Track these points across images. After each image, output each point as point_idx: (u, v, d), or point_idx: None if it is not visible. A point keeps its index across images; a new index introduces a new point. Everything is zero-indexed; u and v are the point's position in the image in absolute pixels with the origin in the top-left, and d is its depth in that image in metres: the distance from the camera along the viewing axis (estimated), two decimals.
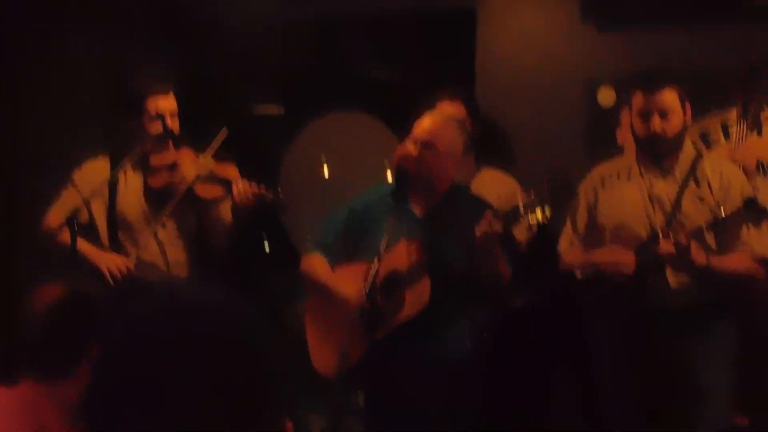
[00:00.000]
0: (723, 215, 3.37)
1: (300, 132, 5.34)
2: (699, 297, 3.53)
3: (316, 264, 3.78)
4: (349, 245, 3.75)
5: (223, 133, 4.02)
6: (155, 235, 4.06)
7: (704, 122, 4.21)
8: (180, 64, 5.07)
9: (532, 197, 3.32)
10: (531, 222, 3.32)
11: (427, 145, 3.60)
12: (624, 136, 4.24)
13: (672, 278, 3.54)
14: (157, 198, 4.04)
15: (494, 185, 4.22)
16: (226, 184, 4.01)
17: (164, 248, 4.08)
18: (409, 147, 3.62)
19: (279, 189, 4.00)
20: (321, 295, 3.75)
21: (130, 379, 1.13)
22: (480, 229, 3.34)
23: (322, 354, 3.62)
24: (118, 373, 1.14)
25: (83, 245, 3.94)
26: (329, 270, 3.75)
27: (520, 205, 3.34)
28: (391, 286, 3.56)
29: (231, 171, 4.06)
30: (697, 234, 3.43)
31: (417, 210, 3.68)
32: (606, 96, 4.51)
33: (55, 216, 3.97)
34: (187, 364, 1.13)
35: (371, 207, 3.76)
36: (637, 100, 3.61)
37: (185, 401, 1.11)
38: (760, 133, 4.07)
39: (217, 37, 5.09)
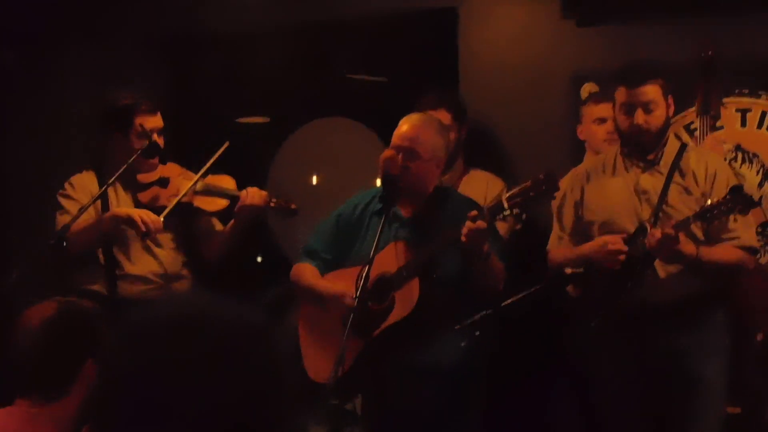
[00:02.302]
0: (709, 205, 3.39)
1: (286, 139, 5.34)
2: (688, 288, 3.55)
3: (305, 271, 3.79)
4: (339, 251, 3.76)
5: (225, 146, 4.01)
6: (152, 250, 4.06)
7: (689, 114, 4.24)
8: (163, 76, 5.09)
9: (515, 191, 3.35)
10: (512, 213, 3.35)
11: (408, 152, 3.60)
12: (586, 131, 4.28)
13: (661, 270, 3.56)
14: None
15: (481, 186, 4.24)
16: (227, 195, 4.03)
17: (162, 263, 4.07)
18: (393, 154, 3.63)
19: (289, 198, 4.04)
20: (313, 302, 3.76)
21: (134, 395, 1.12)
22: (466, 228, 3.35)
23: (318, 362, 3.63)
24: (122, 389, 1.13)
25: (100, 217, 3.95)
26: (319, 276, 3.76)
27: (503, 199, 3.36)
28: (381, 288, 3.57)
29: (229, 182, 4.09)
30: (685, 225, 3.45)
31: (404, 212, 3.69)
32: (590, 92, 4.52)
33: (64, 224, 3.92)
34: (192, 379, 1.12)
35: (359, 212, 3.77)
36: (621, 94, 3.63)
37: (189, 417, 1.10)
38: (715, 127, 4.10)
39: (199, 47, 5.10)
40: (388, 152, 3.65)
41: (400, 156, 3.60)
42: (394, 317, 3.52)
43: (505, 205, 3.36)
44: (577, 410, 4.24)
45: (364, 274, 3.41)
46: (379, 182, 3.78)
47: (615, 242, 3.53)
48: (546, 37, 4.70)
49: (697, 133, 3.99)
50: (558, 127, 4.60)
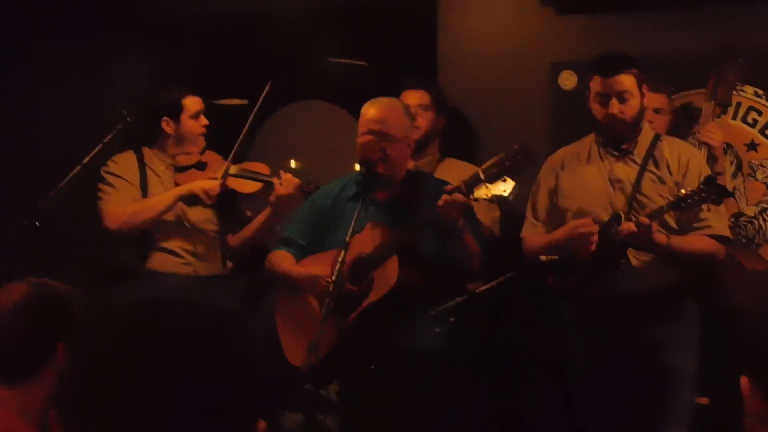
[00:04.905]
0: (683, 194, 3.41)
1: (264, 123, 5.32)
2: (661, 278, 3.57)
3: (280, 258, 3.80)
4: (314, 238, 3.77)
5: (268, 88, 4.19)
6: (186, 228, 4.16)
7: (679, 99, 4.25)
8: (142, 58, 5.07)
9: (491, 162, 3.37)
10: (493, 192, 3.35)
11: (382, 135, 3.62)
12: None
13: (634, 259, 3.59)
14: (189, 197, 4.13)
15: (457, 174, 4.25)
16: (260, 179, 4.14)
17: (194, 242, 4.15)
18: (371, 139, 3.63)
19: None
20: (288, 288, 3.76)
21: (102, 379, 1.12)
22: (442, 200, 3.36)
23: (296, 347, 3.63)
24: (93, 373, 1.13)
25: (160, 196, 4.09)
26: (294, 262, 3.76)
27: (480, 170, 3.38)
28: (359, 269, 3.58)
29: (263, 168, 4.20)
30: (658, 214, 3.47)
31: (379, 196, 3.70)
32: (568, 80, 4.53)
33: (118, 208, 4.07)
34: (164, 364, 1.12)
35: (333, 199, 3.78)
36: (595, 83, 3.65)
37: (161, 402, 1.10)
38: (725, 113, 4.12)
39: (179, 29, 5.07)
40: (365, 137, 3.66)
41: (374, 137, 3.62)
42: (372, 297, 3.53)
43: (482, 176, 3.38)
44: (558, 398, 4.26)
45: (340, 258, 3.42)
46: (357, 167, 3.79)
47: (585, 224, 3.55)
48: (525, 25, 4.70)
49: (701, 119, 3.96)
50: (536, 115, 4.61)
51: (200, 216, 4.18)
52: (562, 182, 3.77)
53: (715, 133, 3.89)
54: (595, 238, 3.51)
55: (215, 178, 4.13)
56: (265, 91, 4.16)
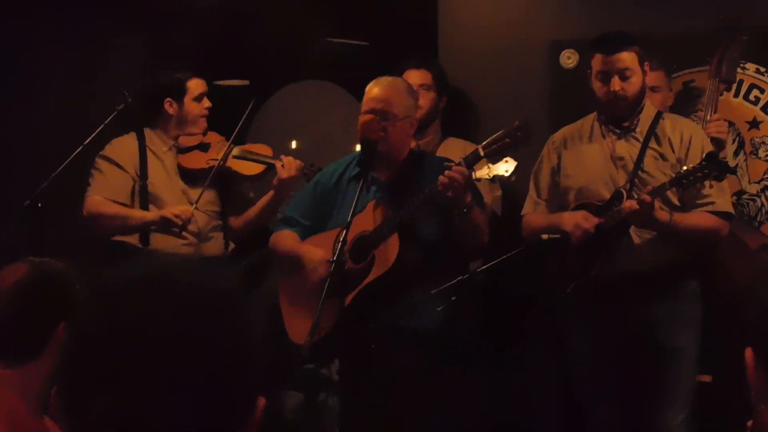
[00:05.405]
0: (685, 171, 3.41)
1: (265, 103, 5.31)
2: (663, 256, 3.57)
3: (285, 237, 3.80)
4: (317, 218, 3.77)
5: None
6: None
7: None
8: (141, 37, 5.05)
9: (491, 139, 3.37)
10: (495, 172, 3.35)
11: (383, 114, 3.61)
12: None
13: (635, 236, 3.58)
14: (191, 177, 4.17)
15: (458, 153, 4.24)
16: (263, 162, 4.15)
17: (196, 222, 4.13)
18: (372, 118, 3.62)
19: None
20: (292, 266, 3.77)
21: (101, 357, 1.11)
22: (444, 176, 3.35)
23: (298, 326, 3.64)
24: (89, 353, 1.12)
25: (135, 212, 4.07)
26: (298, 240, 3.77)
27: (479, 147, 3.38)
28: (360, 247, 3.58)
29: (266, 149, 4.22)
30: (660, 191, 3.47)
31: (381, 176, 3.70)
32: (569, 59, 4.51)
33: (101, 196, 4.07)
34: (164, 342, 1.11)
35: (336, 179, 3.78)
36: (596, 62, 3.64)
37: (160, 380, 1.10)
38: (729, 90, 4.11)
39: (177, 10, 5.05)
40: (366, 116, 3.65)
41: (376, 117, 3.61)
42: (373, 275, 3.53)
43: (482, 153, 3.38)
44: (557, 378, 4.27)
45: (342, 237, 3.42)
46: (358, 147, 3.78)
47: (587, 221, 3.55)
48: (525, 4, 4.68)
49: (704, 98, 3.95)
50: (537, 94, 4.59)
51: (203, 199, 4.17)
52: (565, 161, 3.77)
53: (723, 126, 3.89)
54: (587, 233, 3.51)
55: (217, 159, 4.13)
56: (249, 107, 4.19)
